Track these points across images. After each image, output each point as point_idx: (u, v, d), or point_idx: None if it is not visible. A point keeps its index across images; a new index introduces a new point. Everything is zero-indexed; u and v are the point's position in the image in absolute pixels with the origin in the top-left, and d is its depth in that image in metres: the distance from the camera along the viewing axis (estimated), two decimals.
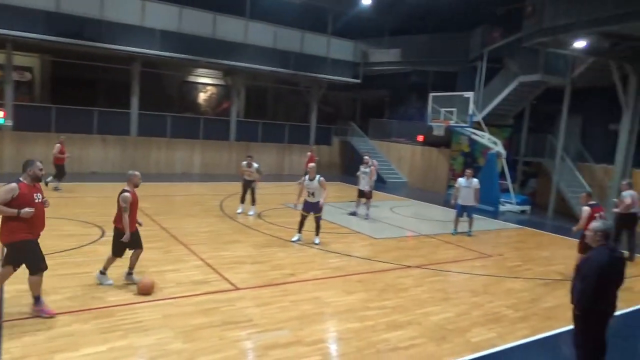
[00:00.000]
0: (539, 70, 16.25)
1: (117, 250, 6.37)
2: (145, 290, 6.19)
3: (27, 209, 5.04)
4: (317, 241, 9.56)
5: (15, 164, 15.89)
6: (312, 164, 9.95)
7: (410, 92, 23.81)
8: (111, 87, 19.89)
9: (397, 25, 23.15)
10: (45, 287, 5.68)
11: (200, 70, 22.47)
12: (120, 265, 6.57)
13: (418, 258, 9.18)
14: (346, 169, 23.38)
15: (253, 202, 11.97)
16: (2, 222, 5.15)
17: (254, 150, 20.05)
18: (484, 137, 16.79)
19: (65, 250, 7.78)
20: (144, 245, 6.64)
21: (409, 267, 8.56)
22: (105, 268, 6.42)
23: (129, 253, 6.48)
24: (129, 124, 18.46)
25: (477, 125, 17.05)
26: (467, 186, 11.47)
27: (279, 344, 5.12)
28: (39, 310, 5.32)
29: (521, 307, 6.91)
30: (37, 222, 5.23)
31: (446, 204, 15.10)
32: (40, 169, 5.30)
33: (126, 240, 6.21)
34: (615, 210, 9.99)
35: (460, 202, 11.55)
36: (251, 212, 11.91)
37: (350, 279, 7.62)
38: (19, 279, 5.41)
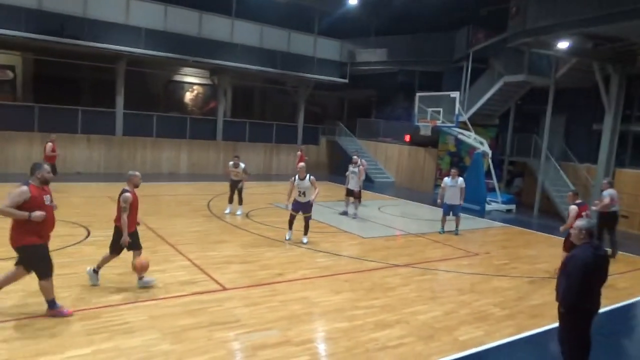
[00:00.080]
0: (523, 71, 16.45)
1: (115, 249, 6.33)
2: (142, 268, 6.24)
3: (38, 213, 5.00)
4: (305, 240, 9.57)
5: None
6: (301, 164, 9.96)
7: (397, 92, 23.90)
8: (96, 86, 19.65)
9: (384, 26, 23.27)
10: (30, 288, 5.60)
11: (187, 70, 22.28)
12: (112, 266, 6.51)
13: (406, 257, 9.23)
14: (334, 168, 23.41)
15: (240, 202, 11.94)
16: (12, 225, 5.11)
17: (242, 150, 19.98)
18: (471, 137, 16.95)
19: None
20: None
21: (397, 266, 8.60)
22: (99, 266, 6.37)
23: (128, 253, 6.41)
24: (114, 123, 18.21)
25: (463, 125, 17.21)
26: (452, 185, 11.58)
27: (268, 344, 5.10)
28: (55, 312, 5.27)
29: (508, 305, 6.99)
30: (47, 225, 5.21)
31: (434, 203, 15.19)
32: (49, 172, 5.29)
33: (124, 242, 6.16)
34: (594, 208, 10.12)
35: (447, 201, 11.65)
36: (239, 212, 11.88)
37: (339, 278, 7.64)
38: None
